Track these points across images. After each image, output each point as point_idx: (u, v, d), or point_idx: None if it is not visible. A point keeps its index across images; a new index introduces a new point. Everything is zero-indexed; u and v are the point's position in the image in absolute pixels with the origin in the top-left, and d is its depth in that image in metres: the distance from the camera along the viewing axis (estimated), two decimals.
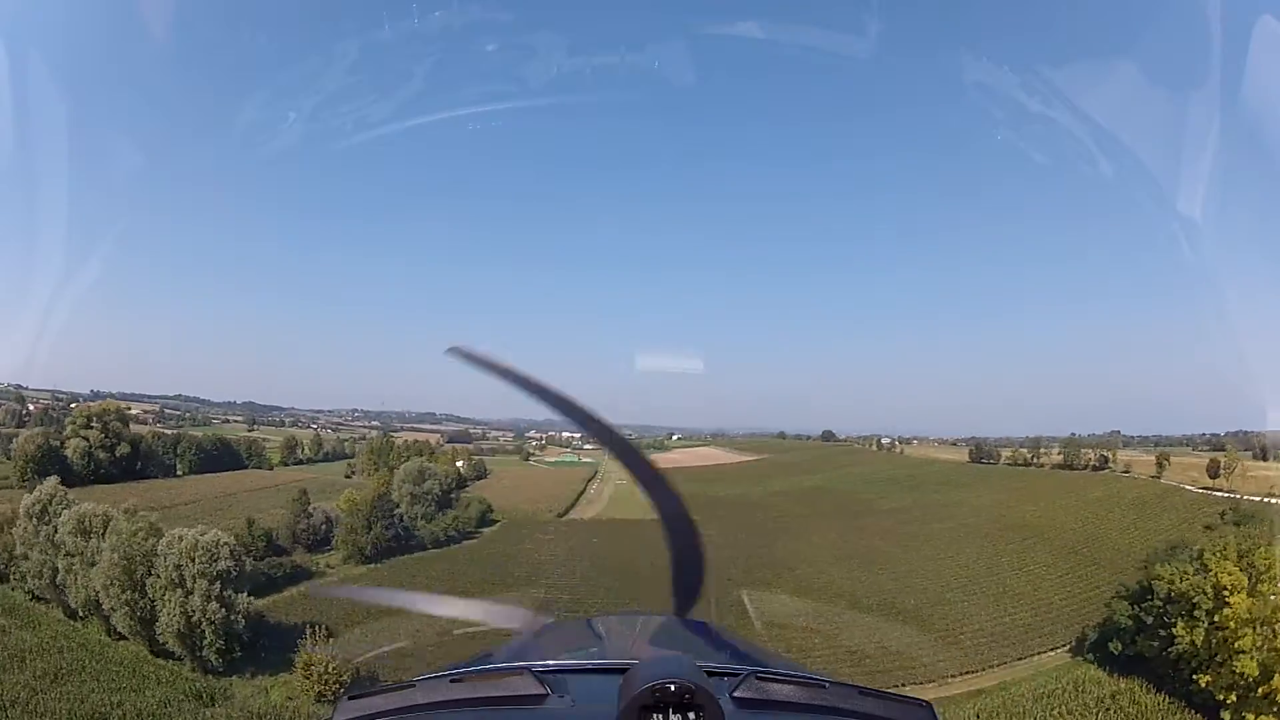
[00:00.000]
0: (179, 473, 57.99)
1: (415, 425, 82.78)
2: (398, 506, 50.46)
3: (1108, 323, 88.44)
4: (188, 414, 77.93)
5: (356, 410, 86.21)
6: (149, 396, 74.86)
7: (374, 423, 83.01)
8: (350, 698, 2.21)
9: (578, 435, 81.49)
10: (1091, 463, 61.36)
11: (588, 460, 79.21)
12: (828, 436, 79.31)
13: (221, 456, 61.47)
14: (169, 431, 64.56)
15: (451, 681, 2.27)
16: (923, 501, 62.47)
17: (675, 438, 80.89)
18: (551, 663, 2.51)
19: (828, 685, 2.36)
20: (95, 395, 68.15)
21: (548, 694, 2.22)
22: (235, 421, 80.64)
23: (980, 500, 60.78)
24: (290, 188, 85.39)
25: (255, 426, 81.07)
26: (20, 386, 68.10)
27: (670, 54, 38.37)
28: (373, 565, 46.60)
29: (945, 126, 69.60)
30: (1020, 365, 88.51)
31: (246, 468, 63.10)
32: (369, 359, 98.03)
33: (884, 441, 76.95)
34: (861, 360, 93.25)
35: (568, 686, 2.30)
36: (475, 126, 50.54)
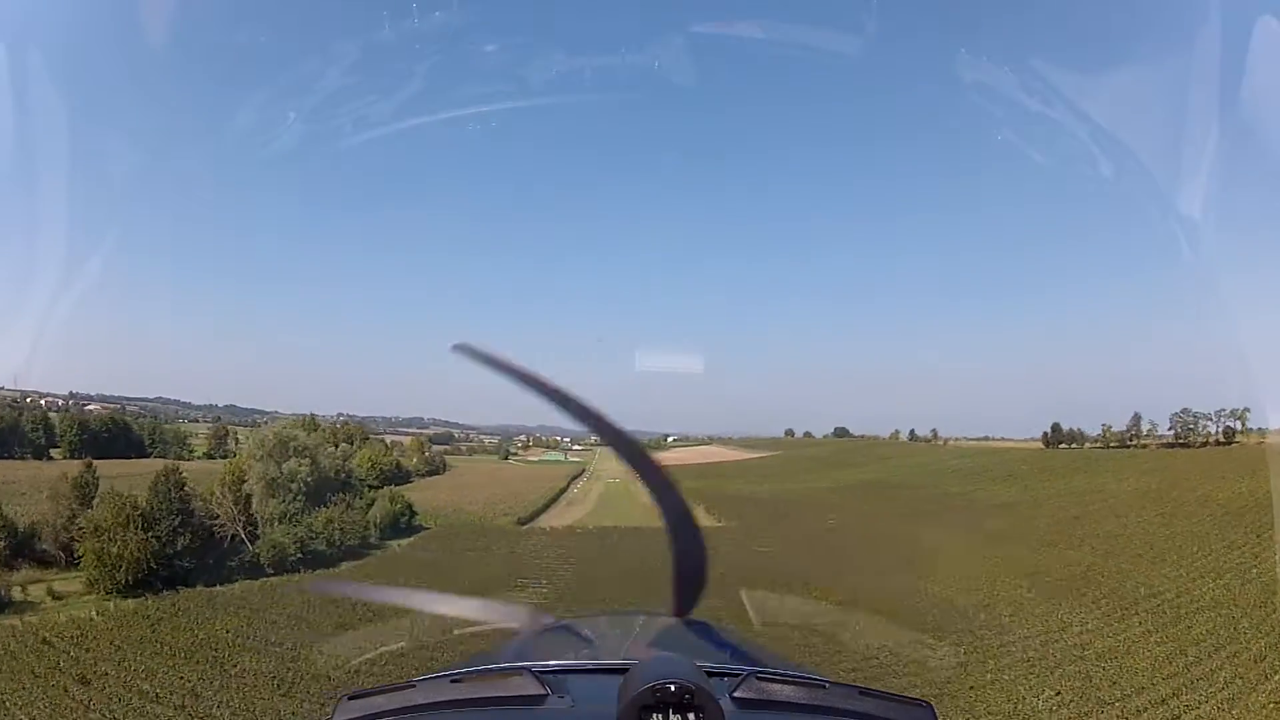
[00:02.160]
0: (53, 455, 47.22)
1: (401, 429, 76.63)
2: (248, 505, 33.00)
3: (1106, 324, 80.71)
4: (150, 414, 72.13)
5: (342, 414, 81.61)
6: (128, 398, 69.55)
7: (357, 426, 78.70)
8: (349, 697, 2.14)
9: (567, 438, 72.62)
10: (1215, 439, 53.24)
11: (575, 460, 65.75)
12: (841, 433, 74.32)
13: (115, 441, 50.38)
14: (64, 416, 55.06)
15: (451, 681, 2.23)
16: (1039, 493, 46.05)
17: (671, 439, 74.49)
18: (551, 663, 2.43)
19: (828, 685, 2.29)
20: (73, 396, 63.01)
21: (547, 694, 2.17)
22: (204, 421, 74.51)
23: (1128, 486, 43.89)
24: (287, 190, 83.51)
25: (220, 424, 76.35)
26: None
27: (670, 53, 37.44)
28: (119, 599, 28.21)
29: (945, 125, 65.27)
30: (1017, 365, 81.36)
31: (149, 455, 51.85)
32: (360, 365, 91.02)
33: (918, 434, 68.84)
34: (864, 361, 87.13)
35: (568, 687, 2.25)
36: (475, 127, 48.75)
